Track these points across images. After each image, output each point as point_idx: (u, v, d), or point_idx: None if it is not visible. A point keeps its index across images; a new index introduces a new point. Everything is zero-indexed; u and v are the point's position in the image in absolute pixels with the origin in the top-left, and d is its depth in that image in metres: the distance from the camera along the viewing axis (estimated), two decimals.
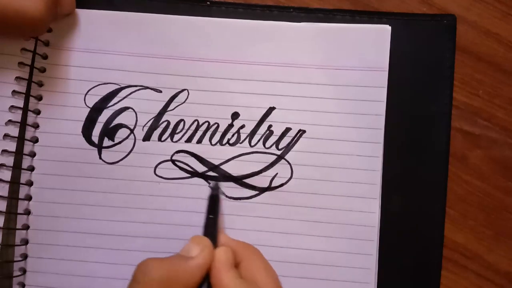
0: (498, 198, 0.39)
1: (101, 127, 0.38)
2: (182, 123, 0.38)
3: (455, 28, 0.39)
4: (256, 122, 0.38)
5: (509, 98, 0.39)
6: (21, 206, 0.38)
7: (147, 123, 0.38)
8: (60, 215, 0.38)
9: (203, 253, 0.30)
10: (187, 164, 0.38)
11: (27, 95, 0.38)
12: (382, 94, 0.38)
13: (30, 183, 0.38)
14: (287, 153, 0.38)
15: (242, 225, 0.37)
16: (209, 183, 0.38)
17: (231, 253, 0.31)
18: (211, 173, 0.38)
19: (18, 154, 0.37)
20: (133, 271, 0.29)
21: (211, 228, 0.32)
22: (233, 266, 0.30)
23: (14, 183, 0.37)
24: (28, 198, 0.38)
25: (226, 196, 0.38)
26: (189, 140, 0.38)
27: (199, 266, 0.29)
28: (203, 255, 0.29)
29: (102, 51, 0.38)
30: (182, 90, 0.38)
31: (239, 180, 0.38)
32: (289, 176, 0.38)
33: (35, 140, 0.38)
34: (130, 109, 0.38)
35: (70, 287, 0.38)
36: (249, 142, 0.38)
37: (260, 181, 0.38)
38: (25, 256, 0.38)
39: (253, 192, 0.38)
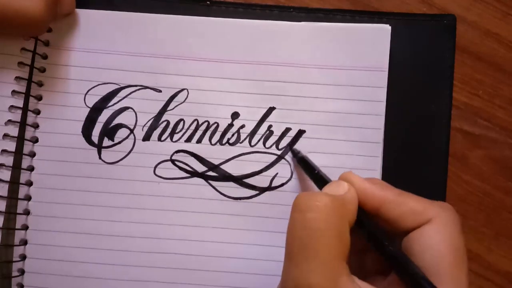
0: (498, 198, 0.39)
1: (101, 127, 0.38)
2: (181, 122, 0.38)
3: (455, 28, 0.39)
4: (256, 122, 0.38)
5: (509, 98, 0.39)
6: (21, 206, 0.38)
7: (147, 123, 0.38)
8: (59, 216, 0.38)
9: (351, 189, 0.30)
10: (187, 164, 0.38)
11: (27, 95, 0.38)
12: (382, 94, 0.38)
13: (29, 183, 0.38)
14: (287, 153, 0.38)
15: (242, 225, 0.37)
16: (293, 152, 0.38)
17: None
18: (211, 173, 0.38)
19: (18, 154, 0.37)
20: (292, 204, 0.28)
21: (325, 178, 0.33)
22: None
23: (14, 183, 0.37)
24: (28, 198, 0.38)
25: (226, 196, 0.38)
26: (188, 140, 0.38)
27: (355, 197, 0.29)
28: (353, 190, 0.30)
29: (102, 51, 0.38)
30: (182, 90, 0.38)
31: (239, 180, 0.38)
32: (289, 176, 0.38)
33: (35, 140, 0.38)
34: (130, 109, 0.38)
35: None
36: (249, 142, 0.38)
37: (260, 181, 0.38)
38: (23, 257, 0.37)
39: (253, 192, 0.38)
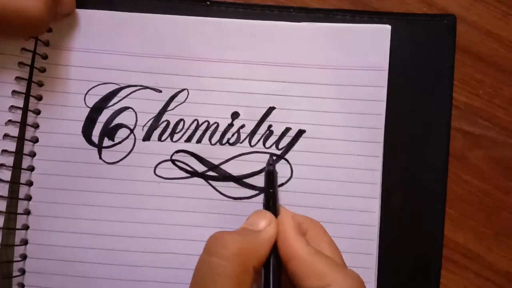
0: (498, 198, 0.39)
1: (101, 127, 0.38)
2: (181, 122, 0.38)
3: (455, 28, 0.39)
4: (256, 122, 0.38)
5: (509, 98, 0.39)
6: (21, 206, 0.38)
7: (147, 123, 0.38)
8: (59, 215, 0.38)
9: (271, 226, 0.30)
10: (187, 164, 0.38)
11: (27, 95, 0.38)
12: (382, 93, 0.38)
13: (30, 183, 0.38)
14: (287, 152, 0.38)
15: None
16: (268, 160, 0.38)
17: (297, 220, 0.31)
18: (211, 173, 0.38)
19: (18, 154, 0.37)
20: (205, 244, 0.29)
21: (272, 202, 0.33)
22: (301, 232, 0.31)
23: (14, 183, 0.37)
24: (28, 198, 0.38)
25: (226, 196, 0.38)
26: (188, 139, 0.38)
27: (269, 239, 0.30)
28: (271, 228, 0.30)
29: (102, 51, 0.38)
30: (182, 90, 0.38)
31: (239, 180, 0.38)
32: (289, 176, 0.38)
33: (35, 140, 0.38)
34: (130, 109, 0.38)
35: (69, 287, 0.38)
36: (249, 142, 0.38)
37: (260, 180, 0.38)
38: (24, 257, 0.38)
39: (253, 192, 0.38)
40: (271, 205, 0.33)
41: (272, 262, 0.30)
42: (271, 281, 0.30)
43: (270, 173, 0.36)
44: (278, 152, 0.38)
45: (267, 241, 0.30)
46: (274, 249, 0.30)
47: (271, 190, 0.34)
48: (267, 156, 0.38)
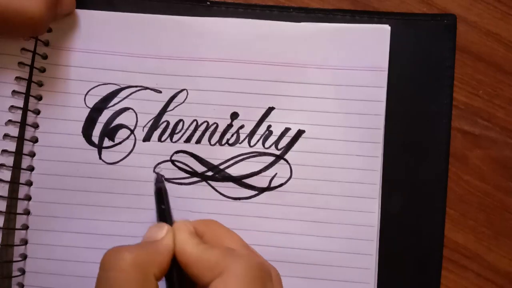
0: (498, 198, 0.39)
1: (101, 127, 0.38)
2: (181, 123, 0.38)
3: (455, 28, 0.39)
4: (255, 122, 0.38)
5: (509, 98, 0.39)
6: (21, 206, 0.38)
7: (147, 123, 0.38)
8: (59, 215, 0.38)
9: (168, 235, 0.30)
10: (186, 164, 0.38)
11: (27, 95, 0.38)
12: (382, 94, 0.38)
13: (29, 183, 0.38)
14: (287, 153, 0.38)
15: (241, 225, 0.37)
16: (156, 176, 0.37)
17: (191, 225, 0.31)
18: (210, 173, 0.38)
19: (18, 154, 0.37)
20: (100, 262, 0.28)
21: (167, 217, 0.33)
22: (195, 235, 0.31)
23: (14, 183, 0.37)
24: (28, 198, 0.38)
25: (226, 196, 0.38)
26: (188, 140, 0.38)
27: (168, 246, 0.29)
28: (169, 236, 0.30)
29: (102, 51, 0.38)
30: (181, 90, 0.38)
31: (238, 180, 0.38)
32: (288, 176, 0.38)
33: (35, 140, 0.38)
34: (130, 110, 0.38)
35: (69, 287, 0.38)
36: (249, 142, 0.38)
37: (260, 181, 0.38)
38: (24, 257, 0.38)
39: (253, 192, 0.38)
40: (165, 220, 0.33)
41: (174, 270, 0.29)
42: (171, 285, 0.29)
43: (160, 190, 0.35)
44: (278, 152, 0.38)
45: (166, 248, 0.29)
46: (174, 259, 0.30)
47: (163, 207, 0.33)
48: (267, 156, 0.38)
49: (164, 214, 0.33)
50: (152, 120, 0.38)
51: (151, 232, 0.30)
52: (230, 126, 0.38)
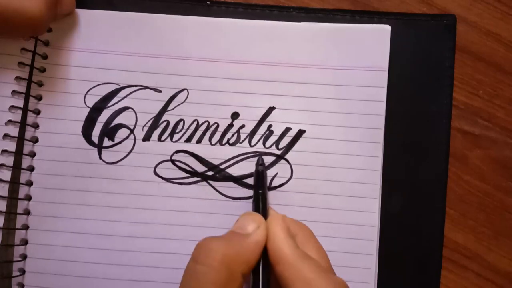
0: (498, 198, 0.39)
1: (101, 127, 0.38)
2: (181, 123, 0.38)
3: (455, 28, 0.39)
4: (256, 122, 0.38)
5: (509, 98, 0.39)
6: (21, 206, 0.38)
7: (147, 123, 0.38)
8: (59, 215, 0.38)
9: (260, 229, 0.30)
10: (186, 164, 0.38)
11: (27, 95, 0.38)
12: (382, 94, 0.38)
13: (30, 183, 0.38)
14: (287, 153, 0.38)
15: None
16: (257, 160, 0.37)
17: (287, 222, 0.31)
18: (210, 173, 0.38)
19: (18, 154, 0.37)
20: (192, 251, 0.29)
21: (262, 203, 0.33)
22: (291, 234, 0.30)
23: (14, 183, 0.37)
24: (28, 198, 0.38)
25: (226, 196, 0.38)
26: (188, 140, 0.38)
27: (258, 242, 0.29)
28: (261, 231, 0.30)
29: (102, 51, 0.38)
30: (182, 90, 0.38)
31: (239, 180, 0.38)
32: (289, 176, 0.38)
33: (35, 140, 0.38)
34: (130, 109, 0.38)
35: (69, 287, 0.38)
36: (249, 142, 0.38)
37: None
38: (24, 257, 0.38)
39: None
40: (261, 207, 0.33)
41: (261, 266, 0.29)
42: (260, 286, 0.29)
43: (259, 174, 0.35)
44: (278, 152, 0.38)
45: (256, 245, 0.29)
46: (264, 252, 0.29)
47: (260, 191, 0.34)
48: (268, 156, 0.38)
49: (259, 201, 0.33)
50: (152, 120, 0.38)
51: (243, 222, 0.30)
52: (230, 126, 0.38)
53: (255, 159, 0.38)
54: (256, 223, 0.30)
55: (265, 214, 0.32)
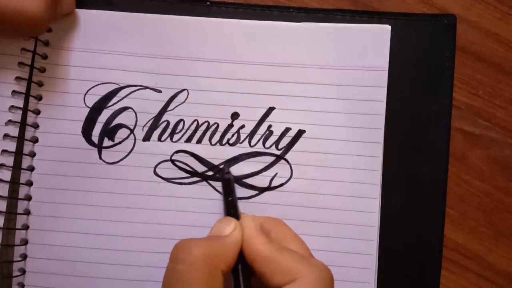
0: (498, 198, 0.39)
1: (101, 127, 0.38)
2: (181, 123, 0.38)
3: (455, 28, 0.39)
4: (256, 122, 0.38)
5: (509, 98, 0.39)
6: (21, 206, 0.38)
7: (147, 123, 0.38)
8: (60, 215, 0.38)
9: (236, 230, 0.30)
10: (186, 164, 0.38)
11: (27, 95, 0.38)
12: (382, 94, 0.38)
13: (30, 183, 0.38)
14: (287, 153, 0.38)
15: None
16: (222, 170, 0.38)
17: (258, 221, 0.32)
18: (210, 173, 0.38)
19: (18, 154, 0.37)
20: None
21: (233, 209, 0.33)
22: (262, 232, 0.31)
23: (14, 183, 0.37)
24: (28, 198, 0.38)
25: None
26: (188, 140, 0.38)
27: (236, 242, 0.30)
28: (237, 232, 0.30)
29: (101, 51, 0.38)
30: (182, 90, 0.38)
31: (239, 180, 0.38)
32: (288, 176, 0.38)
33: (35, 140, 0.38)
34: (129, 109, 0.38)
35: (69, 287, 0.38)
36: (249, 142, 0.38)
37: (260, 181, 0.38)
38: (24, 257, 0.38)
39: (253, 192, 0.38)
40: (232, 212, 0.33)
41: (240, 265, 0.30)
42: (241, 285, 0.29)
43: (226, 181, 0.36)
44: (278, 152, 0.38)
45: (233, 244, 0.30)
46: (240, 252, 0.30)
47: (230, 198, 0.34)
48: (268, 156, 0.38)
49: (230, 207, 0.33)
50: (152, 120, 0.38)
51: (219, 227, 0.31)
52: (230, 126, 0.38)
53: (255, 159, 0.38)
54: (232, 226, 0.31)
55: (237, 218, 0.32)
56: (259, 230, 0.31)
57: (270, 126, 0.38)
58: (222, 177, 0.37)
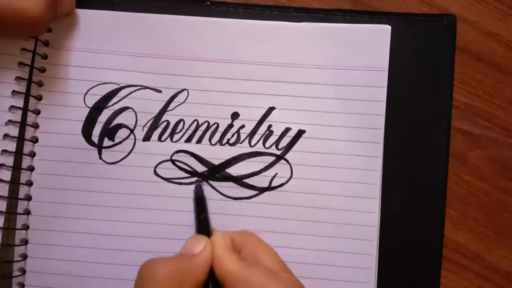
0: (498, 198, 0.39)
1: (101, 127, 0.38)
2: (181, 123, 0.38)
3: (455, 28, 0.39)
4: (256, 122, 0.38)
5: (509, 98, 0.39)
6: (21, 206, 0.38)
7: (147, 123, 0.38)
8: (60, 215, 0.38)
9: (206, 248, 0.30)
10: (186, 164, 0.38)
11: (27, 95, 0.38)
12: (382, 94, 0.38)
13: (30, 183, 0.38)
14: (287, 153, 0.38)
15: (242, 225, 0.37)
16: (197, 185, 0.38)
17: (228, 238, 0.32)
18: (210, 173, 0.38)
19: (18, 154, 0.37)
20: (137, 271, 0.29)
21: (205, 227, 0.34)
22: (233, 250, 0.31)
23: (14, 183, 0.37)
24: (28, 198, 0.38)
25: (226, 196, 0.38)
26: (188, 140, 0.38)
27: (205, 260, 0.30)
28: (207, 250, 0.30)
29: (102, 51, 0.38)
30: (182, 90, 0.38)
31: (239, 180, 0.38)
32: (289, 176, 0.38)
33: (35, 140, 0.38)
34: (130, 109, 0.38)
35: (69, 287, 0.38)
36: (249, 142, 0.38)
37: (260, 181, 0.38)
38: (24, 256, 0.38)
39: (253, 192, 0.38)
40: (204, 230, 0.33)
41: (210, 284, 0.30)
42: None
43: (199, 199, 0.36)
44: (278, 152, 0.38)
45: (203, 262, 0.30)
46: (211, 271, 0.30)
47: (202, 216, 0.34)
48: (268, 156, 0.38)
49: (202, 225, 0.34)
50: (152, 120, 0.38)
51: (189, 245, 0.31)
52: (230, 126, 0.38)
53: (255, 159, 0.38)
54: (202, 244, 0.31)
55: (209, 236, 0.32)
56: (229, 247, 0.31)
57: (270, 126, 0.38)
58: (195, 194, 0.37)
